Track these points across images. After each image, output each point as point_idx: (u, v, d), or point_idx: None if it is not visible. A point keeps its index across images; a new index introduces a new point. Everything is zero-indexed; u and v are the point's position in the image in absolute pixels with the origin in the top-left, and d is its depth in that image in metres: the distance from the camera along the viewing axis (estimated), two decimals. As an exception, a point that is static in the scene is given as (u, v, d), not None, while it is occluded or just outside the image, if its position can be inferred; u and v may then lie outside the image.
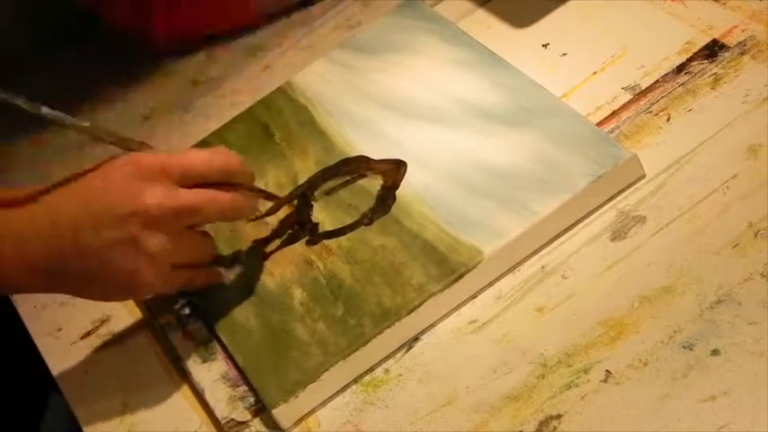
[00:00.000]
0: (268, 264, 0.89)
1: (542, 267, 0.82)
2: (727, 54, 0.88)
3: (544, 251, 0.83)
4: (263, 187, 0.90)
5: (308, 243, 0.89)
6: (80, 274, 0.79)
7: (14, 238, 0.78)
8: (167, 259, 0.80)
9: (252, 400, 0.83)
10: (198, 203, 0.80)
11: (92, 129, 0.81)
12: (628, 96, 0.89)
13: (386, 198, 0.88)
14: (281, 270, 0.88)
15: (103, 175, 0.79)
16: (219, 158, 0.82)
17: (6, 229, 0.78)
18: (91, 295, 0.83)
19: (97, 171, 0.79)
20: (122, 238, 0.77)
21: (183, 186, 0.79)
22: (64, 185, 0.80)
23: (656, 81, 0.89)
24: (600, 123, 0.88)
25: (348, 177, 0.91)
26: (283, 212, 0.92)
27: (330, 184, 0.91)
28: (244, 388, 0.84)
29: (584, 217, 0.83)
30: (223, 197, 0.81)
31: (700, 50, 0.89)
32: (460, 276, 0.81)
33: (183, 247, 0.81)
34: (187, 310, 0.90)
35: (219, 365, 0.86)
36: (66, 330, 0.95)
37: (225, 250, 0.91)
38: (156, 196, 0.77)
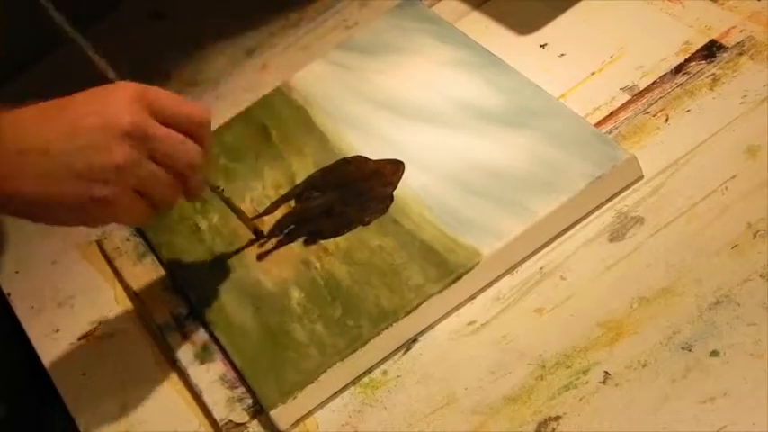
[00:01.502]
0: (265, 264, 0.89)
1: (541, 268, 0.82)
2: (725, 55, 0.88)
3: (542, 252, 0.83)
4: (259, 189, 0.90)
5: (306, 243, 0.89)
6: (40, 178, 0.76)
7: None
8: (133, 178, 0.78)
9: (250, 401, 0.83)
10: (167, 138, 0.78)
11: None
12: (626, 97, 0.89)
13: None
14: (278, 271, 0.88)
15: (87, 93, 0.78)
16: (193, 108, 0.81)
17: None
18: (44, 209, 0.78)
19: (80, 94, 0.79)
20: (93, 145, 0.76)
21: (157, 120, 0.78)
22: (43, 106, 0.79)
23: (655, 82, 0.89)
24: (598, 124, 0.88)
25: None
26: (281, 212, 0.92)
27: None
28: (242, 389, 0.84)
29: (583, 218, 0.83)
30: (189, 144, 0.80)
31: (698, 51, 0.89)
32: (459, 277, 0.81)
33: (149, 174, 0.79)
34: (185, 311, 0.90)
35: (217, 367, 0.86)
36: (63, 331, 0.95)
37: (224, 250, 0.91)
38: (128, 114, 0.76)
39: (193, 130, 0.80)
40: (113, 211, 0.79)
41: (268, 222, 0.92)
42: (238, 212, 0.90)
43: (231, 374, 0.85)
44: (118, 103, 0.77)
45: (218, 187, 0.89)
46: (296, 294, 0.86)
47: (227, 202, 0.89)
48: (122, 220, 0.81)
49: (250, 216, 0.92)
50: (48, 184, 0.76)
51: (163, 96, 0.79)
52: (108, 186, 0.77)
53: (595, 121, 0.88)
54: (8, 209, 0.78)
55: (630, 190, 0.83)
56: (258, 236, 0.90)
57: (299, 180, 0.93)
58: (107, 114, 0.76)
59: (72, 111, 0.77)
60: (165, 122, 0.79)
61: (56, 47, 1.20)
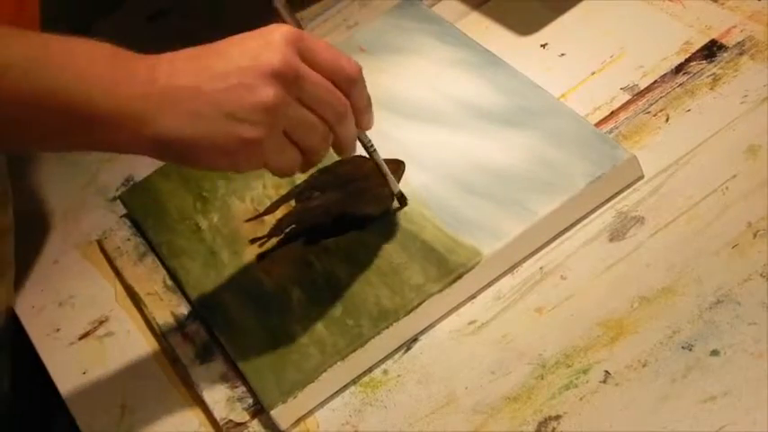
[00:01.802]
0: (266, 264, 0.89)
1: (541, 268, 0.82)
2: (725, 54, 0.88)
3: (543, 252, 0.83)
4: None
5: (306, 243, 0.89)
6: (191, 117, 0.74)
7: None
8: (281, 120, 0.76)
9: (250, 400, 0.83)
10: (318, 82, 0.76)
11: None
12: (626, 97, 0.89)
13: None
14: (279, 270, 0.88)
15: (243, 35, 0.77)
16: (348, 61, 0.78)
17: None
18: (194, 150, 0.76)
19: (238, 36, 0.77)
20: (242, 84, 0.74)
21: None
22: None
23: (655, 81, 0.89)
24: (598, 124, 0.88)
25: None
26: (281, 212, 0.92)
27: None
28: (242, 389, 0.84)
29: (583, 217, 0.83)
30: (338, 94, 0.78)
31: (698, 51, 0.89)
32: (459, 277, 0.81)
33: (299, 117, 0.77)
34: (185, 311, 0.90)
35: (218, 366, 0.86)
36: (64, 331, 0.94)
37: (223, 250, 0.91)
38: (286, 57, 0.75)
39: (344, 83, 0.78)
40: (263, 154, 0.76)
41: (268, 222, 0.92)
42: (386, 175, 0.87)
43: (231, 374, 0.85)
44: (272, 44, 0.75)
45: (371, 144, 0.85)
46: (296, 294, 0.86)
47: (378, 162, 0.87)
48: (272, 165, 0.78)
49: (250, 217, 0.92)
50: (198, 123, 0.74)
51: (318, 44, 0.77)
52: (257, 127, 0.74)
53: (596, 120, 0.88)
54: (159, 150, 0.76)
55: (631, 190, 0.83)
56: (401, 203, 0.88)
57: (299, 180, 0.93)
58: (259, 54, 0.74)
59: (226, 51, 0.75)
60: (317, 70, 0.77)
61: (108, 11, 1.20)
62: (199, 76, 0.74)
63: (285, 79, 0.74)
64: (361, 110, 0.79)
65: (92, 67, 0.73)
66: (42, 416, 1.05)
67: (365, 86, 0.79)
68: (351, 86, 0.78)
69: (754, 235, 0.76)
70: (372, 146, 0.85)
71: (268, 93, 0.74)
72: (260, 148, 0.75)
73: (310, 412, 0.81)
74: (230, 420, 0.82)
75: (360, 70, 0.78)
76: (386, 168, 0.86)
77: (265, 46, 0.75)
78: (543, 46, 0.96)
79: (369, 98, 0.80)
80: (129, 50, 0.75)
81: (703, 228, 0.79)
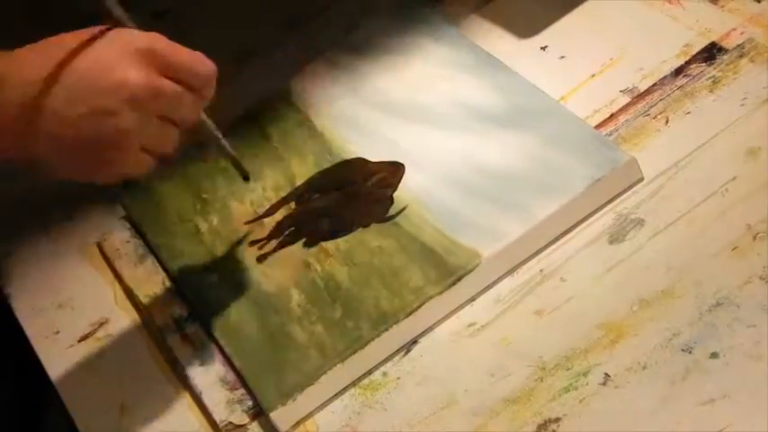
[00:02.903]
0: (265, 266, 0.89)
1: (541, 270, 0.82)
2: (725, 57, 0.88)
3: (542, 254, 0.83)
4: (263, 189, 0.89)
5: (306, 245, 0.89)
6: (50, 140, 0.75)
7: None
8: (139, 138, 0.77)
9: (250, 403, 0.83)
10: (174, 94, 0.77)
11: None
12: (626, 99, 0.89)
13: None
14: (278, 272, 0.88)
15: (86, 42, 0.76)
16: (204, 64, 0.79)
17: None
18: (57, 165, 0.78)
19: (79, 36, 0.77)
20: (101, 110, 0.75)
21: (162, 75, 0.77)
22: (42, 44, 0.77)
23: (655, 84, 0.89)
24: (598, 126, 0.88)
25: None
26: (281, 214, 0.92)
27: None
28: (242, 391, 0.84)
29: (583, 220, 0.83)
30: (191, 97, 0.79)
31: (698, 53, 0.89)
32: (459, 279, 0.81)
33: (154, 132, 0.78)
34: (185, 313, 0.90)
35: (217, 368, 0.86)
36: (63, 333, 0.94)
37: (222, 252, 0.91)
38: (138, 74, 0.75)
39: (197, 83, 0.79)
40: (120, 169, 0.78)
41: (268, 224, 0.92)
42: (233, 158, 0.88)
43: (231, 376, 0.85)
44: (124, 58, 0.75)
45: (219, 135, 0.86)
46: (296, 296, 0.86)
47: (223, 149, 0.87)
48: (128, 174, 0.80)
49: (250, 219, 0.92)
50: (58, 147, 0.76)
51: (168, 50, 0.77)
52: (117, 150, 0.76)
53: (595, 123, 0.88)
54: (32, 166, 0.77)
55: (630, 192, 0.83)
56: (245, 178, 0.89)
57: (299, 182, 0.93)
58: (114, 73, 0.75)
59: (75, 61, 0.75)
60: (168, 75, 0.77)
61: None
62: (53, 94, 0.75)
63: (142, 101, 0.75)
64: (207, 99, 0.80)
65: None
66: (41, 417, 1.05)
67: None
68: (206, 83, 0.79)
69: (754, 237, 0.76)
70: (219, 134, 0.86)
71: (127, 119, 0.75)
72: (119, 165, 0.77)
73: (310, 414, 0.81)
74: (230, 422, 0.82)
75: (212, 66, 0.79)
76: (231, 153, 0.87)
77: (120, 60, 0.75)
78: (543, 48, 0.96)
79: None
80: None
81: (703, 230, 0.79)
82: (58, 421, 0.92)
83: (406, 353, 0.82)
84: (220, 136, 0.86)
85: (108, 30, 0.77)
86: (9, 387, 1.08)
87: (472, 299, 0.82)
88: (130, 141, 0.76)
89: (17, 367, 1.03)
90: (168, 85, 0.77)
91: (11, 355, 1.01)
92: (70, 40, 0.76)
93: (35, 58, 0.75)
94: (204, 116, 0.82)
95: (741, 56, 0.88)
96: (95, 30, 0.77)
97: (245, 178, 0.89)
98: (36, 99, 0.75)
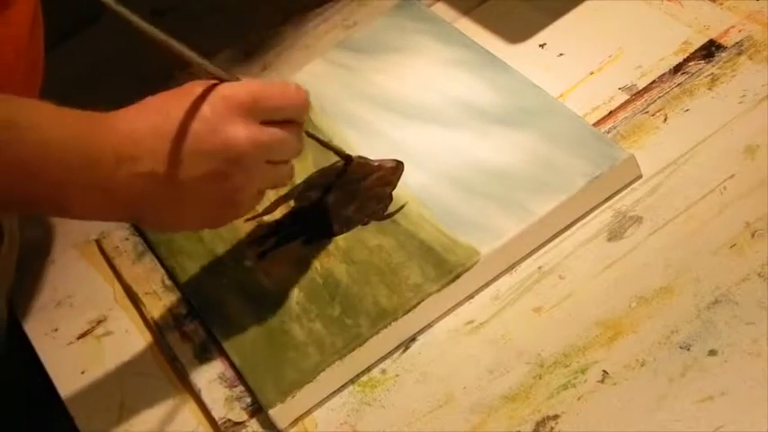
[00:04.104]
0: (265, 263, 0.89)
1: (539, 267, 0.82)
2: (724, 54, 0.88)
3: (541, 251, 0.83)
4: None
5: (305, 243, 0.89)
6: (169, 206, 0.79)
7: (91, 168, 0.76)
8: (253, 187, 0.80)
9: (249, 400, 0.83)
10: (280, 140, 0.79)
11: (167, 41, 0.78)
12: (625, 97, 0.89)
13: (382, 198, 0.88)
14: (277, 270, 0.88)
15: (188, 106, 0.78)
16: (298, 95, 0.81)
17: (83, 157, 0.75)
18: (174, 224, 0.83)
19: (180, 99, 0.78)
20: (210, 173, 0.77)
21: (262, 121, 0.79)
22: (143, 111, 0.78)
23: (653, 81, 0.89)
24: (597, 123, 0.88)
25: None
26: (280, 212, 0.92)
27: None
28: (240, 388, 0.84)
29: (581, 217, 0.83)
30: (296, 137, 0.81)
31: (696, 51, 0.89)
32: (457, 276, 0.81)
33: (268, 176, 0.81)
34: (184, 311, 0.90)
35: (216, 366, 0.86)
36: (62, 330, 0.94)
37: (222, 250, 0.91)
38: (243, 132, 0.77)
39: (296, 116, 0.81)
40: (239, 215, 0.83)
41: (267, 222, 0.92)
42: (329, 146, 0.89)
43: (230, 373, 0.85)
44: (225, 118, 0.77)
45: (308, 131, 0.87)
46: (295, 293, 0.86)
47: (319, 140, 0.89)
48: (244, 215, 0.84)
49: (250, 216, 0.92)
50: (177, 211, 0.79)
51: (263, 96, 0.79)
52: (235, 206, 0.81)
53: (594, 120, 0.88)
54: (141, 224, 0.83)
55: (629, 189, 0.83)
56: (347, 161, 0.90)
57: (298, 180, 0.93)
58: (217, 136, 0.77)
59: (186, 128, 0.77)
60: (269, 119, 0.79)
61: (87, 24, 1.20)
62: (165, 162, 0.77)
63: (251, 156, 0.78)
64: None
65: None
66: (41, 415, 1.05)
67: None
68: (304, 113, 0.82)
69: (752, 235, 0.77)
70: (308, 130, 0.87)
71: (239, 177, 0.78)
72: (237, 214, 0.82)
73: (308, 412, 0.81)
74: (228, 420, 0.82)
75: (306, 93, 0.81)
76: (325, 140, 0.89)
77: (226, 121, 0.77)
78: (542, 46, 0.96)
79: None
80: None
81: (701, 227, 0.79)
82: (57, 419, 0.92)
83: (405, 350, 0.82)
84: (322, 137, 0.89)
85: (203, 86, 0.79)
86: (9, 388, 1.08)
87: (471, 296, 0.82)
88: (246, 194, 0.80)
89: (16, 364, 1.03)
90: (271, 133, 0.79)
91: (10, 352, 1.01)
92: (172, 103, 0.78)
93: (141, 128, 0.77)
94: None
95: (740, 53, 0.88)
96: (195, 89, 0.78)
97: (348, 160, 0.91)
98: (147, 164, 0.76)
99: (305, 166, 0.94)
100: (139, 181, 0.76)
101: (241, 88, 0.78)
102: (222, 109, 0.77)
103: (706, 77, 0.87)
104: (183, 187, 0.77)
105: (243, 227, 0.92)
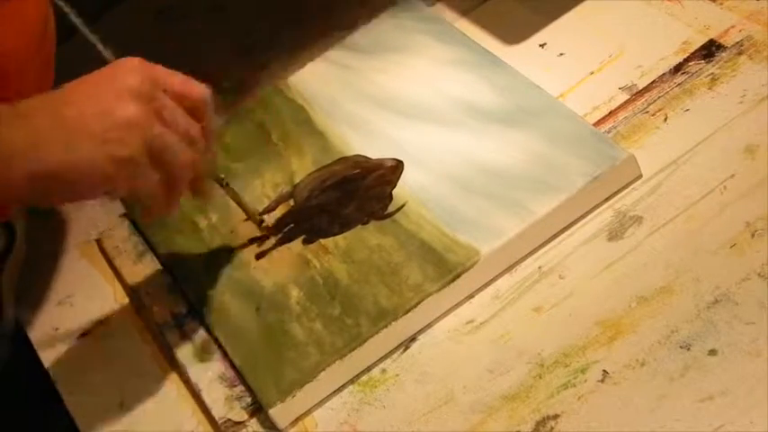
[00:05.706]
0: (264, 263, 0.89)
1: (539, 267, 0.82)
2: (724, 54, 0.88)
3: (541, 251, 0.83)
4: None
5: (305, 242, 0.89)
6: (61, 147, 0.76)
7: None
8: (145, 134, 0.77)
9: (249, 399, 0.83)
10: (172, 105, 0.79)
11: None
12: (625, 96, 0.89)
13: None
14: (277, 269, 0.88)
15: (94, 72, 0.79)
16: (194, 86, 0.81)
17: None
18: (67, 181, 0.77)
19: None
20: (103, 108, 0.76)
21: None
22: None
23: (653, 81, 0.89)
24: (597, 123, 0.88)
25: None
26: (280, 211, 0.92)
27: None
28: (241, 388, 0.84)
29: (581, 217, 0.83)
30: (190, 119, 0.80)
31: (697, 50, 0.89)
32: (457, 276, 0.81)
33: (160, 134, 0.78)
34: (184, 310, 0.90)
35: (216, 365, 0.86)
36: (63, 330, 0.94)
37: (222, 249, 0.91)
38: (139, 76, 0.78)
39: (193, 108, 0.80)
40: (132, 174, 0.77)
41: (267, 221, 0.92)
42: (243, 205, 0.90)
43: (230, 373, 0.85)
44: (125, 69, 0.78)
45: (223, 179, 0.88)
46: (295, 293, 0.86)
47: (232, 195, 0.89)
48: (142, 187, 0.79)
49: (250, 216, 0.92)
50: (68, 151, 0.76)
51: (165, 73, 0.80)
52: (125, 145, 0.76)
53: (594, 120, 0.88)
54: (35, 191, 0.77)
55: (629, 189, 0.83)
56: (261, 229, 0.90)
57: (298, 179, 0.93)
58: (116, 79, 0.77)
59: (82, 85, 0.78)
60: (169, 95, 0.79)
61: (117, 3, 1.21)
62: (60, 110, 0.76)
63: (142, 96, 0.77)
64: (209, 132, 0.82)
65: None
66: (41, 415, 1.05)
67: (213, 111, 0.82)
68: (201, 110, 0.81)
69: (752, 234, 0.77)
70: (223, 178, 0.89)
71: (129, 109, 0.76)
72: (130, 166, 0.77)
73: (308, 411, 0.81)
74: (229, 419, 0.82)
75: (209, 94, 0.81)
76: (241, 199, 0.90)
77: (121, 71, 0.78)
78: (542, 46, 0.96)
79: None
80: None
81: (701, 227, 0.79)
82: (57, 419, 0.92)
83: (405, 350, 0.82)
84: (226, 181, 0.89)
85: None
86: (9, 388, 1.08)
87: (471, 296, 0.82)
88: (137, 134, 0.76)
89: (16, 363, 1.03)
90: (165, 96, 0.78)
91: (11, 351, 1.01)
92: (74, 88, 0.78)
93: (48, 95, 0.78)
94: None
95: (740, 53, 0.88)
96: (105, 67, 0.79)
97: (262, 229, 0.91)
98: (44, 116, 0.76)
99: (305, 166, 0.94)
100: (32, 132, 0.76)
101: (139, 58, 0.80)
102: (118, 64, 0.79)
103: (706, 77, 0.87)
104: (71, 126, 0.76)
105: (242, 226, 0.92)
